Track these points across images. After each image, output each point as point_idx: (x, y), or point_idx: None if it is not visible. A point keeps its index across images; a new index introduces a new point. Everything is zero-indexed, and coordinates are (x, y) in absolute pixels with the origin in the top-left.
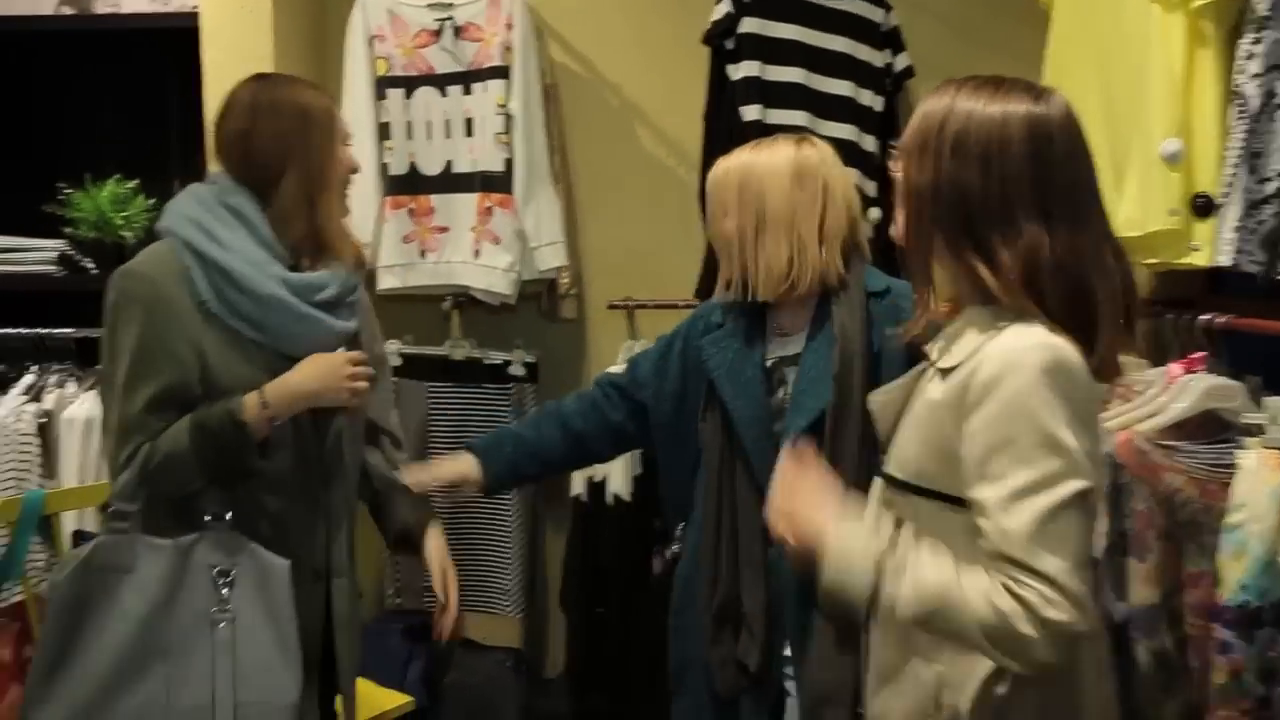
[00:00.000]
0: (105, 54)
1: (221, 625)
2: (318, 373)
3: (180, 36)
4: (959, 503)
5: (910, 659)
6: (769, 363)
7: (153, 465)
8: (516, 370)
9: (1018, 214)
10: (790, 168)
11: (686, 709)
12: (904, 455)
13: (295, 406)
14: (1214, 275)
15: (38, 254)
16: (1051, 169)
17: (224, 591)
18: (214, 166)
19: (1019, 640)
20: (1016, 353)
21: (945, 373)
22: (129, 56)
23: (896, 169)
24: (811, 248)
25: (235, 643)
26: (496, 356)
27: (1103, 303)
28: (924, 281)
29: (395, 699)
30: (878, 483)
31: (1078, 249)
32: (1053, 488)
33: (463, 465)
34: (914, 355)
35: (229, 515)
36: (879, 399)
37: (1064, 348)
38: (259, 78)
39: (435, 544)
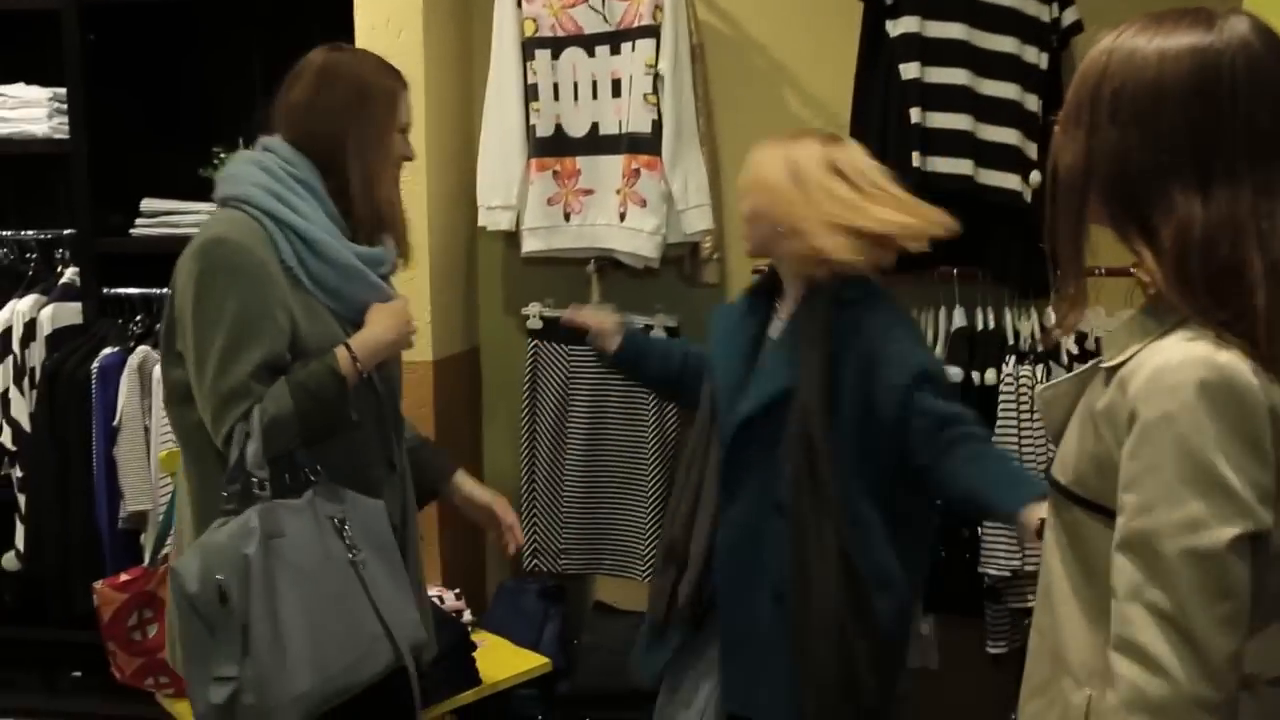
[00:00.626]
0: (257, 21)
1: (362, 566)
2: (390, 323)
3: (328, 3)
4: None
5: (1062, 677)
6: (765, 341)
7: (263, 431)
8: (658, 334)
9: (1173, 181)
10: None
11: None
12: (1066, 459)
13: (378, 357)
14: None
15: (193, 216)
16: (1219, 115)
17: (348, 539)
18: (274, 135)
19: (1148, 703)
20: (1170, 368)
21: (1109, 373)
22: (279, 24)
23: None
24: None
25: (374, 578)
26: (638, 320)
27: (1259, 283)
28: (1075, 271)
29: (532, 660)
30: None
31: (1235, 215)
32: (1200, 531)
33: (609, 324)
34: (867, 366)
35: (319, 469)
36: (1046, 395)
37: (1232, 364)
38: (330, 48)
39: (471, 482)
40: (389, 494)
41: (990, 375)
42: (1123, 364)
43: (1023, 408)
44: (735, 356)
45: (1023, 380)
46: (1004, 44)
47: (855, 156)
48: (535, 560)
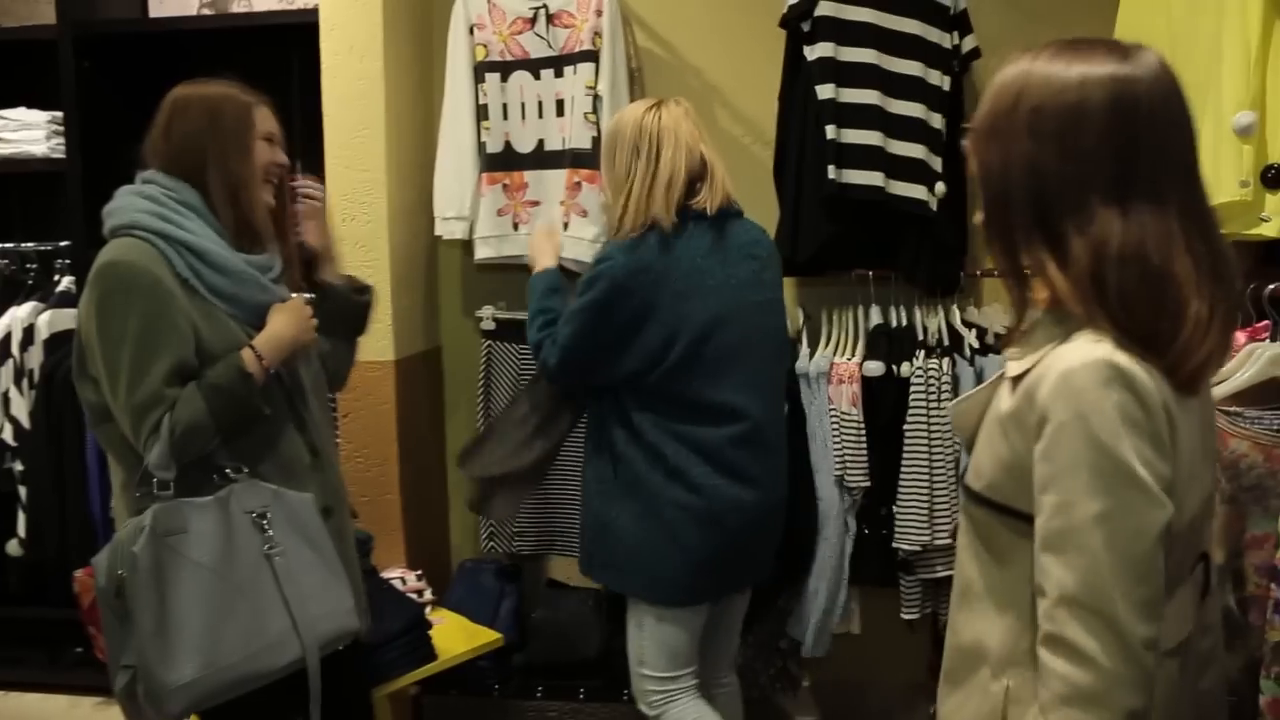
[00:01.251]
0: (238, 49)
1: (277, 559)
2: (290, 320)
3: (302, 31)
4: (1031, 520)
5: (980, 669)
6: None
7: (177, 434)
8: None
9: (1092, 196)
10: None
11: None
12: (979, 467)
13: (282, 354)
14: (1270, 247)
15: None
16: (1136, 138)
17: (268, 532)
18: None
19: (1089, 696)
20: (1076, 371)
21: (1014, 381)
22: (259, 51)
23: (969, 150)
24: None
25: (292, 570)
26: None
27: (1187, 295)
28: (1015, 278)
29: (485, 635)
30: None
31: (1157, 233)
32: (1118, 523)
33: None
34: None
35: (243, 468)
36: (958, 409)
37: (1132, 366)
38: (184, 84)
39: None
40: (317, 479)
41: (905, 368)
42: (1027, 371)
43: (930, 398)
44: None
45: (930, 372)
46: (910, 68)
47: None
48: (492, 543)
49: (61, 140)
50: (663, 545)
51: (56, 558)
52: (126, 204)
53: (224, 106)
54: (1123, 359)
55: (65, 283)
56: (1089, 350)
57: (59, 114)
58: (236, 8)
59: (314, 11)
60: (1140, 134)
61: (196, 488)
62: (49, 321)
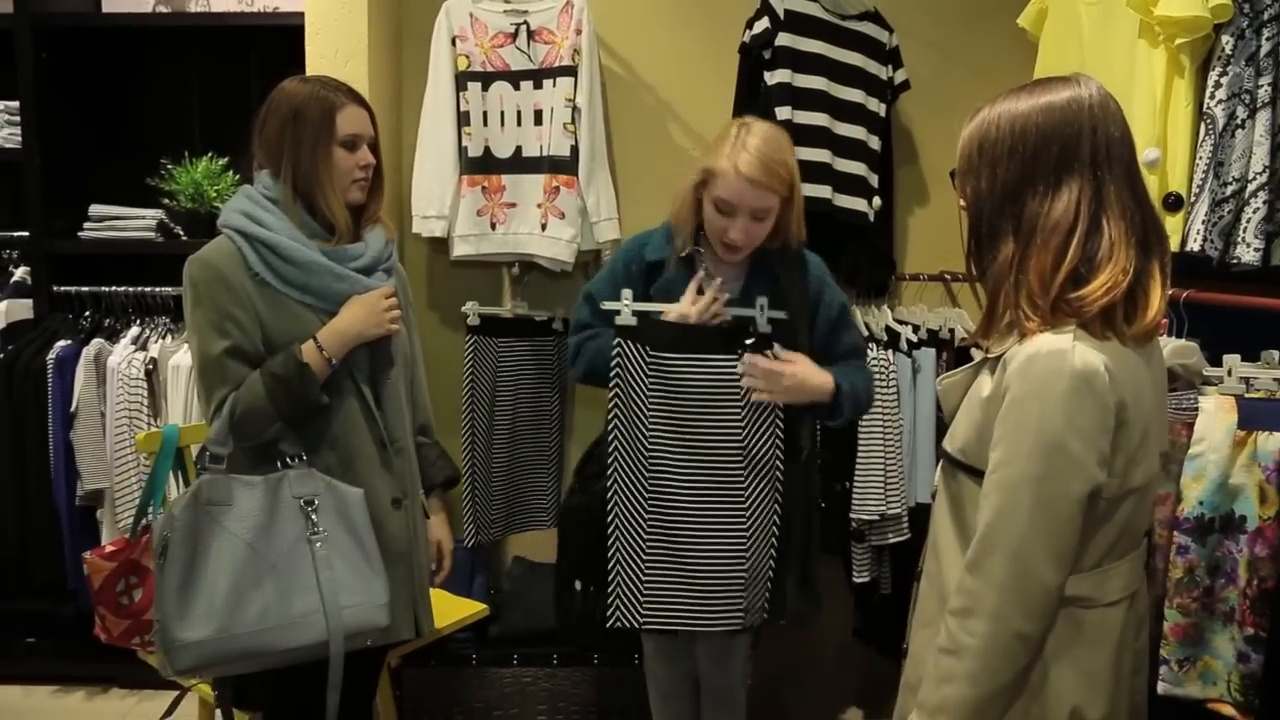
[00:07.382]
0: (196, 47)
1: (318, 544)
2: (358, 313)
3: (260, 33)
4: None
5: (946, 611)
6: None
7: (237, 415)
8: (558, 325)
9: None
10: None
11: None
12: (956, 433)
13: (346, 346)
14: None
15: (139, 222)
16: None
17: (313, 518)
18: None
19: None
20: (1038, 355)
21: (994, 362)
22: (218, 49)
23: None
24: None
25: (330, 557)
26: (542, 314)
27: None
28: (994, 287)
29: (471, 607)
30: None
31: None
32: (1047, 483)
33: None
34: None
35: (303, 457)
36: (945, 384)
37: (1085, 353)
38: (289, 80)
39: (437, 509)
40: (384, 472)
41: None
42: (1002, 354)
43: (881, 385)
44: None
45: (880, 364)
46: (854, 95)
47: None
48: (477, 537)
49: (16, 130)
50: None
51: (17, 547)
52: (231, 203)
53: (307, 106)
54: (1081, 349)
55: (19, 273)
56: (1052, 339)
57: (14, 104)
58: (194, 7)
59: (274, 14)
60: (1029, 153)
61: (254, 468)
62: (4, 311)
